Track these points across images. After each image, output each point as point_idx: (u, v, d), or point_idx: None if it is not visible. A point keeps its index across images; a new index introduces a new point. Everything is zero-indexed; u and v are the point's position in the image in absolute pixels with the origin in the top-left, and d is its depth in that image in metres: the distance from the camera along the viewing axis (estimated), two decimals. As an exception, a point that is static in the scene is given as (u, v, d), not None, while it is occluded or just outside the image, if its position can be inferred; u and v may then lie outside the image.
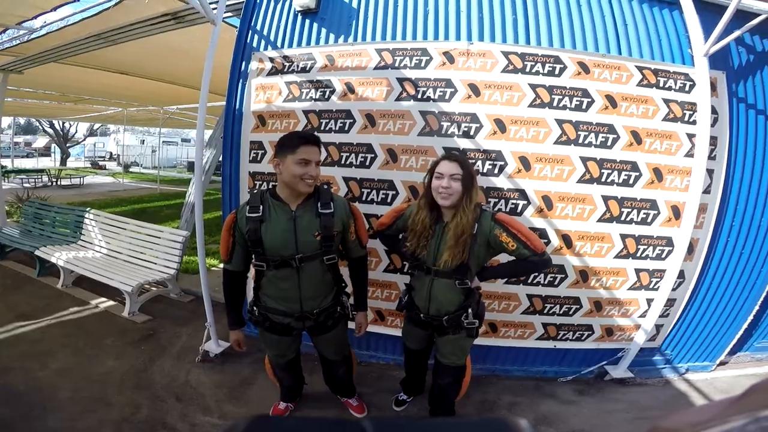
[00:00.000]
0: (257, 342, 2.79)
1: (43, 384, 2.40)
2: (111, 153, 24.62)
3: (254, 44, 2.80)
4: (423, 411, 2.28)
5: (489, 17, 2.49)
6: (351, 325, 2.03)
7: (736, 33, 2.21)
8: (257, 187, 2.74)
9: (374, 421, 0.30)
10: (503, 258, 1.82)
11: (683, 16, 2.38)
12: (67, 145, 20.11)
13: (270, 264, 1.66)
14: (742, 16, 2.21)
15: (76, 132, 20.91)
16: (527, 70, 2.39)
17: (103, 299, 3.67)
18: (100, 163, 21.73)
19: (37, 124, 21.47)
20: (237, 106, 2.80)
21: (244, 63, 2.80)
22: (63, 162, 19.04)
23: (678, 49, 2.46)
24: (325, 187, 1.75)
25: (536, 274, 2.45)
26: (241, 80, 2.80)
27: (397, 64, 2.48)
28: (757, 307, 2.67)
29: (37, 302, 3.54)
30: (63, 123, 18.78)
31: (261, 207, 1.62)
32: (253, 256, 1.70)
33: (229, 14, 3.12)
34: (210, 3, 2.71)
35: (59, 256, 3.82)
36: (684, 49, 2.45)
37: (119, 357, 2.77)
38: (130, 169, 18.89)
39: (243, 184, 2.79)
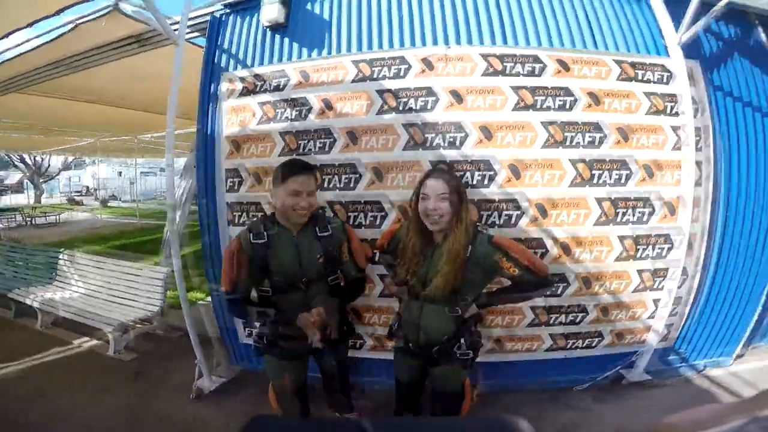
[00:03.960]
0: (254, 376, 2.70)
1: (27, 428, 2.28)
2: (87, 187, 23.87)
3: (222, 64, 2.69)
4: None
5: (464, 19, 2.42)
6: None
7: (703, 20, 2.19)
8: (236, 219, 2.60)
9: (374, 420, 0.32)
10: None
11: (651, 6, 2.40)
12: (41, 180, 19.47)
13: (277, 289, 1.69)
14: (708, 3, 2.20)
15: (49, 166, 20.26)
16: (507, 71, 2.32)
17: (86, 338, 3.56)
18: (77, 198, 21.06)
19: (8, 158, 20.75)
20: (209, 131, 2.67)
21: (213, 84, 2.68)
22: (37, 199, 18.42)
23: (651, 40, 2.45)
24: (320, 211, 1.78)
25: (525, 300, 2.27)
26: (211, 103, 2.67)
27: (375, 75, 2.38)
28: (764, 297, 2.62)
29: (16, 344, 3.47)
30: (35, 157, 18.18)
31: (264, 233, 1.64)
32: (258, 283, 1.72)
33: (195, 34, 3.00)
34: (173, 24, 2.60)
35: (34, 298, 3.77)
36: (657, 40, 2.44)
37: (109, 399, 2.63)
38: (109, 203, 18.35)
39: (221, 215, 2.64)
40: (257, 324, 1.84)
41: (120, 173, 23.14)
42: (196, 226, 2.88)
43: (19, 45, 3.30)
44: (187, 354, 3.13)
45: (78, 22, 2.81)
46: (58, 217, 12.12)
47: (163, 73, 3.79)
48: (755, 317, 2.67)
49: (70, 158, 21.14)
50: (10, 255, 4.84)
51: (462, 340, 1.63)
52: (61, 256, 4.34)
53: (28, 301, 3.77)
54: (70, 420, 2.37)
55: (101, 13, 2.70)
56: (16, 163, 19.14)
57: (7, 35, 2.98)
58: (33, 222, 11.33)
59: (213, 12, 2.79)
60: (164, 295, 3.54)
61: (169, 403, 2.58)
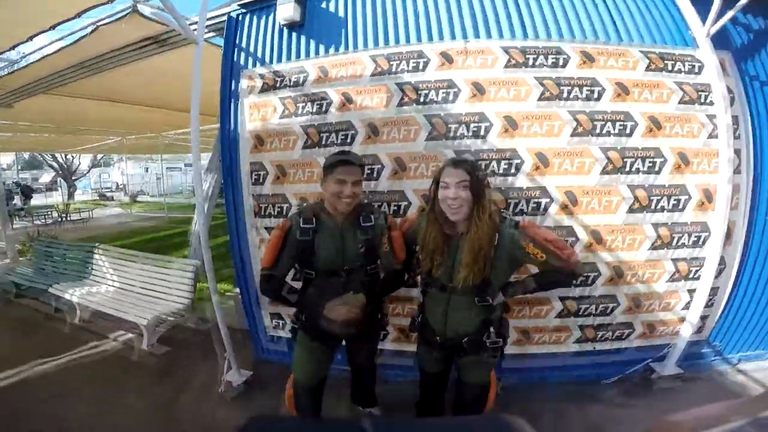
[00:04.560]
0: (280, 368, 2.71)
1: (70, 424, 2.34)
2: (117, 183, 24.76)
3: (242, 62, 2.73)
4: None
5: (482, 14, 2.40)
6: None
7: (730, 13, 2.15)
8: (262, 210, 2.66)
9: (374, 420, 0.30)
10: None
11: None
12: (73, 178, 20.29)
13: (319, 273, 1.74)
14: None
15: (79, 164, 21.08)
16: (530, 63, 2.30)
17: (122, 332, 3.65)
18: (107, 194, 21.86)
19: (41, 158, 21.66)
20: (232, 128, 2.72)
21: (233, 82, 2.72)
22: (70, 196, 19.21)
23: (678, 33, 2.40)
24: (365, 201, 1.86)
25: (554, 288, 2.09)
26: (232, 100, 2.72)
27: (394, 70, 2.38)
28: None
29: (57, 338, 3.55)
30: (66, 156, 18.95)
31: (313, 219, 1.72)
32: (301, 265, 1.78)
33: (212, 34, 3.03)
34: (191, 24, 2.62)
35: (72, 293, 3.87)
36: (684, 32, 2.38)
37: (143, 392, 2.70)
38: (138, 199, 18.95)
39: (247, 208, 2.70)
40: (294, 307, 1.86)
41: (146, 169, 23.94)
42: (222, 219, 2.92)
43: (43, 47, 3.41)
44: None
45: (98, 24, 2.86)
46: (90, 213, 12.60)
47: (182, 72, 3.87)
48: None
49: (99, 156, 21.96)
50: (48, 251, 5.00)
51: (491, 329, 1.60)
52: (95, 252, 4.48)
53: (66, 296, 3.87)
54: (99, 416, 2.43)
55: (120, 15, 2.75)
56: (49, 162, 20.00)
57: (31, 38, 3.07)
58: (67, 218, 11.76)
59: (229, 12, 2.84)
60: (194, 288, 3.61)
61: (199, 395, 2.63)
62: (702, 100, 2.31)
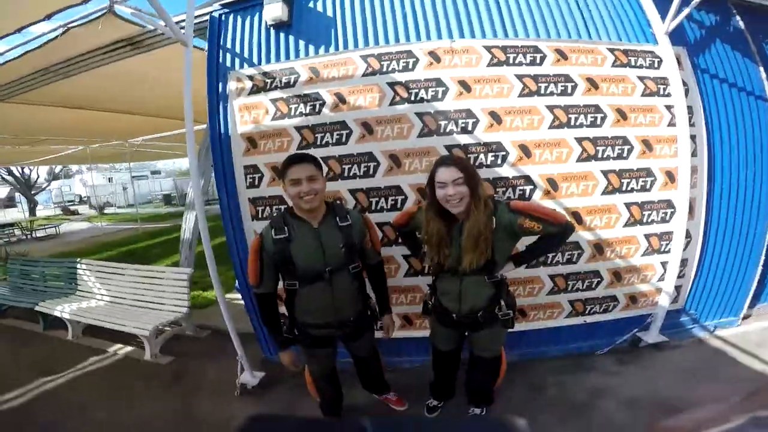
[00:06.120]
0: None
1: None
2: (80, 196, 23.49)
3: (228, 64, 2.70)
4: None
5: (466, 15, 2.56)
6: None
7: (686, 11, 2.37)
8: (259, 213, 2.66)
9: (374, 420, 0.31)
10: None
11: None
12: (32, 192, 19.07)
13: (303, 280, 1.73)
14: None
15: (38, 177, 19.82)
16: (511, 61, 2.47)
17: (120, 345, 3.57)
18: (72, 208, 20.75)
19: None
20: (222, 131, 2.69)
21: (220, 84, 2.70)
22: (32, 212, 18.10)
23: (640, 30, 2.63)
24: (338, 202, 1.86)
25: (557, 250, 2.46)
26: (221, 102, 2.69)
27: (385, 69, 2.48)
28: (763, 257, 2.81)
29: (54, 356, 3.45)
30: (23, 169, 17.77)
31: (285, 228, 1.69)
32: (283, 276, 1.77)
33: (193, 35, 2.94)
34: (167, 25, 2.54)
35: (62, 309, 3.75)
36: (646, 30, 2.62)
37: (156, 402, 2.67)
38: (105, 211, 18.14)
39: (244, 211, 2.69)
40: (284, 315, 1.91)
41: (110, 179, 22.85)
42: (209, 222, 2.80)
43: (4, 53, 3.10)
44: (221, 352, 3.18)
45: (69, 26, 2.68)
46: (57, 228, 12.00)
47: (156, 75, 3.73)
48: (756, 276, 2.85)
49: (58, 168, 20.74)
50: (24, 269, 4.78)
51: (502, 302, 1.79)
52: (78, 266, 4.32)
53: (56, 313, 3.74)
54: (117, 429, 2.41)
55: (95, 16, 2.56)
56: (4, 176, 18.69)
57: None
58: (33, 235, 11.20)
59: (211, 12, 2.79)
60: (189, 296, 3.57)
61: (216, 402, 2.62)
62: (661, 92, 2.56)
